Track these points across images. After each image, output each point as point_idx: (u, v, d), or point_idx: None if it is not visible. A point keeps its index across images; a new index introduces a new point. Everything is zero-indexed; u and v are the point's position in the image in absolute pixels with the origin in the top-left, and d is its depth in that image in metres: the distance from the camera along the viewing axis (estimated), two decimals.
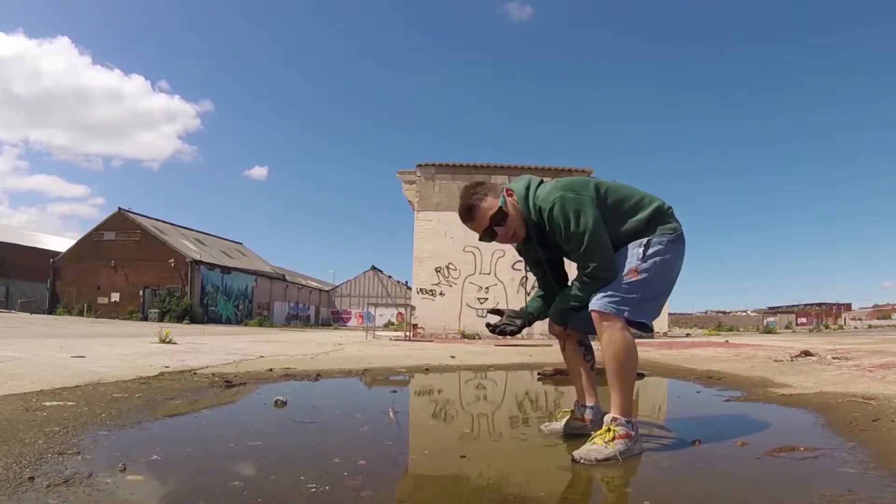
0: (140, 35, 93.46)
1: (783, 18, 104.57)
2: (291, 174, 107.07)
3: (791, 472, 1.58)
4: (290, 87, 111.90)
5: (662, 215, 1.96)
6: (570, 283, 2.08)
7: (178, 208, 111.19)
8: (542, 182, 2.00)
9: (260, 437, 1.97)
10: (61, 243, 37.08)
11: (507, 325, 2.16)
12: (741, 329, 38.82)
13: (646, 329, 1.94)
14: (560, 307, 2.05)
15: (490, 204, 1.93)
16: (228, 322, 32.10)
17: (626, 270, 1.87)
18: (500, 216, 1.92)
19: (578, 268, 1.95)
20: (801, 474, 1.55)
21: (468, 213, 1.96)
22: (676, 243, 1.95)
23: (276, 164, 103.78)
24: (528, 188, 1.97)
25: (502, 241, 2.01)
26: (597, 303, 1.85)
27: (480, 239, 2.02)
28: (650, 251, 1.89)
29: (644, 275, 1.87)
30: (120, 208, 32.73)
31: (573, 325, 2.10)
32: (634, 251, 1.89)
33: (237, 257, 39.41)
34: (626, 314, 1.85)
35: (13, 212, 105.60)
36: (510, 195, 1.98)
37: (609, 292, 1.85)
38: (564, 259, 2.15)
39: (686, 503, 1.33)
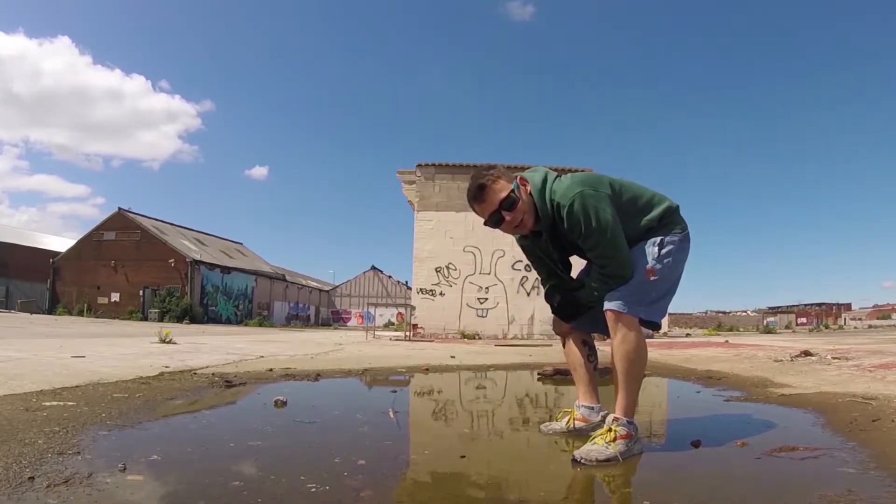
0: (140, 35, 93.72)
1: (784, 19, 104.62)
2: (291, 174, 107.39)
3: (791, 472, 1.58)
4: (290, 87, 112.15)
5: (673, 214, 1.97)
6: (577, 281, 2.08)
7: (178, 208, 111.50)
8: (558, 176, 1.95)
9: (260, 437, 1.97)
10: (61, 243, 37.08)
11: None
12: (741, 329, 38.80)
13: (656, 328, 1.96)
14: (571, 305, 2.04)
15: (501, 186, 1.89)
16: (228, 322, 32.08)
17: (642, 270, 1.86)
18: (510, 200, 1.88)
19: (594, 265, 1.94)
20: (800, 474, 1.55)
21: (479, 193, 1.89)
22: (684, 242, 1.96)
23: (276, 164, 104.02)
24: (544, 181, 1.92)
25: (507, 229, 1.95)
26: (614, 302, 1.84)
27: (486, 224, 1.95)
28: (664, 251, 1.89)
29: (659, 275, 1.87)
30: (120, 208, 32.74)
31: (579, 323, 2.10)
32: (650, 250, 1.89)
33: (237, 257, 39.40)
34: (641, 314, 1.85)
35: (13, 212, 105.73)
36: (524, 184, 1.94)
37: (626, 292, 1.84)
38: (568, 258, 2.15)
39: (686, 503, 1.33)
